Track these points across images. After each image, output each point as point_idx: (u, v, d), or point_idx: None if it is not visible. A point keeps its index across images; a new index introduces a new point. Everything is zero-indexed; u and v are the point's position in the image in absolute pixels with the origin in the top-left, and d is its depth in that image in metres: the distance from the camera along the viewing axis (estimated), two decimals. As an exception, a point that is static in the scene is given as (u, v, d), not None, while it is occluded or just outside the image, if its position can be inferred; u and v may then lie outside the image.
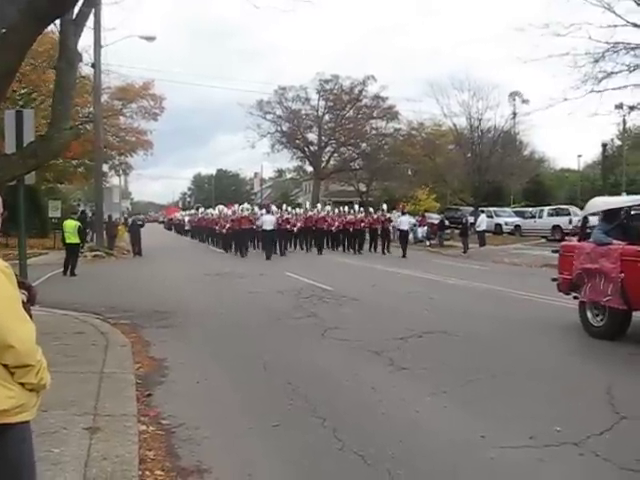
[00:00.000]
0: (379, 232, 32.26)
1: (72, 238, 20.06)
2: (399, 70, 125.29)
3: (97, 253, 27.20)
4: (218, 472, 4.63)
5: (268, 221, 27.96)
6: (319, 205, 34.80)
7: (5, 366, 2.50)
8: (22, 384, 2.55)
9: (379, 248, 31.17)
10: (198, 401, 6.45)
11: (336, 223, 32.05)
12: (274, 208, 33.13)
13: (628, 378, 7.19)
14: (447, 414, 5.97)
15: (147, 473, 4.50)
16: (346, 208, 34.15)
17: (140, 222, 32.19)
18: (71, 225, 20.38)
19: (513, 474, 4.62)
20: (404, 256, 27.39)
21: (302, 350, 8.82)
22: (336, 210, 34.13)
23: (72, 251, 20.03)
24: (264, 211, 30.76)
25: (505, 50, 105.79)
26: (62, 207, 33.24)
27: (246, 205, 33.68)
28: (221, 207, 36.44)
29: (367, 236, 32.68)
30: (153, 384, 7.03)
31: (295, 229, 32.16)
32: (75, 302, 12.75)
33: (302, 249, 33.06)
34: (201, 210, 48.27)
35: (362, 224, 32.03)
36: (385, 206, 34.10)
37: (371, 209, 34.29)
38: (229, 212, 33.14)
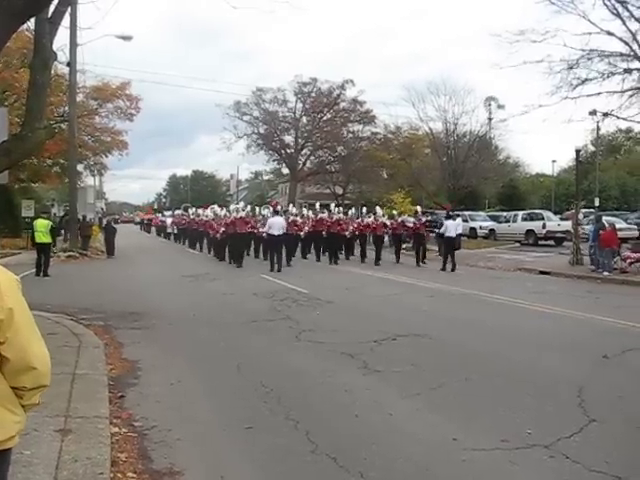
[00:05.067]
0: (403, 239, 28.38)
1: (44, 237, 19.79)
2: (381, 74, 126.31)
3: (71, 253, 26.94)
4: (190, 474, 4.63)
5: (277, 224, 22.43)
6: (332, 205, 30.15)
7: (14, 389, 2.40)
8: (23, 405, 2.46)
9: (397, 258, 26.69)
10: (171, 403, 6.42)
11: (351, 227, 27.22)
12: (292, 209, 29.76)
13: (599, 381, 7.28)
14: (420, 417, 6.01)
15: (119, 475, 4.48)
16: (364, 209, 30.02)
17: (114, 228, 31.27)
18: (43, 224, 20.11)
19: (484, 476, 4.66)
20: (453, 270, 22.04)
21: (276, 352, 8.82)
22: (349, 212, 29.85)
23: (44, 251, 19.76)
24: (270, 212, 26.52)
25: (483, 55, 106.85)
26: (36, 207, 32.91)
27: (242, 204, 28.59)
28: (216, 207, 31.73)
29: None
30: (126, 386, 6.99)
31: (302, 234, 26.99)
32: (48, 303, 12.61)
33: (306, 258, 27.91)
34: (192, 211, 40.32)
35: (384, 229, 26.95)
36: (419, 208, 29.08)
37: (394, 211, 30.17)
38: (222, 213, 28.42)
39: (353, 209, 30.58)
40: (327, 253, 26.74)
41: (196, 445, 5.26)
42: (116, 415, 5.84)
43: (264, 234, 24.01)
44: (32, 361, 2.35)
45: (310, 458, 4.94)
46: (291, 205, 32.08)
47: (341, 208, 30.35)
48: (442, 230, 24.07)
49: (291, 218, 26.78)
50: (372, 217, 27.31)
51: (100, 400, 6.04)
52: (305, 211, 30.30)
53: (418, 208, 29.03)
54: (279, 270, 21.06)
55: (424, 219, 27.21)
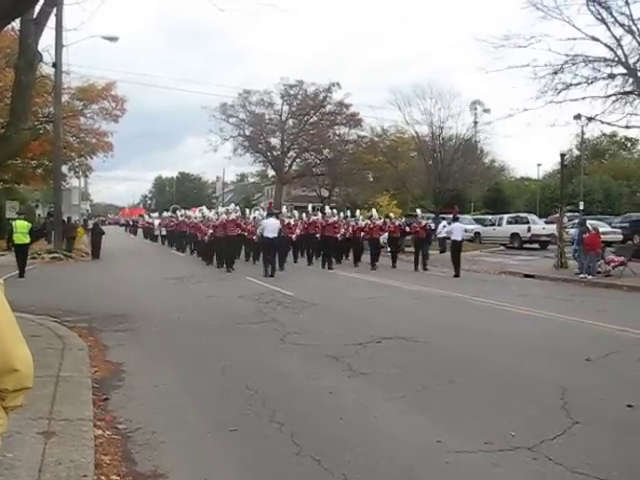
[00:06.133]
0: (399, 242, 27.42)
1: (24, 239, 19.90)
2: (367, 77, 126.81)
3: (55, 255, 26.82)
4: (175, 477, 4.61)
5: (271, 227, 21.20)
6: (327, 208, 29.39)
7: None
8: (5, 407, 2.41)
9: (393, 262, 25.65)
10: (155, 405, 6.40)
11: (342, 230, 25.97)
12: (284, 210, 28.62)
13: (582, 384, 7.32)
14: (404, 419, 6.02)
15: (103, 478, 4.46)
16: (357, 212, 28.97)
17: (102, 230, 31.23)
18: (24, 225, 20.16)
19: (468, 478, 4.67)
20: (457, 275, 21.32)
21: (261, 355, 8.81)
22: (341, 214, 27.95)
23: (24, 251, 19.90)
24: (258, 213, 26.48)
25: (470, 60, 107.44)
26: (20, 207, 32.74)
27: (232, 206, 27.15)
28: (204, 209, 31.08)
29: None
30: (110, 388, 6.97)
31: (294, 237, 26.12)
32: (31, 305, 12.53)
33: (296, 261, 27.32)
34: (180, 213, 39.02)
35: (381, 232, 25.99)
36: (419, 211, 28.37)
37: (392, 214, 29.24)
38: (211, 215, 27.51)
39: (349, 212, 29.48)
40: (320, 257, 25.73)
41: (180, 447, 5.24)
42: (100, 417, 5.81)
43: (254, 237, 23.59)
44: (14, 363, 2.32)
45: (295, 460, 4.94)
46: (284, 207, 30.99)
47: (335, 210, 29.19)
48: (447, 231, 23.29)
49: (286, 221, 25.82)
50: (367, 220, 26.57)
51: (84, 402, 6.01)
52: (297, 213, 29.47)
53: (418, 211, 28.22)
54: (270, 275, 20.15)
55: (424, 222, 26.21)
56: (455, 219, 23.74)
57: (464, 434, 5.54)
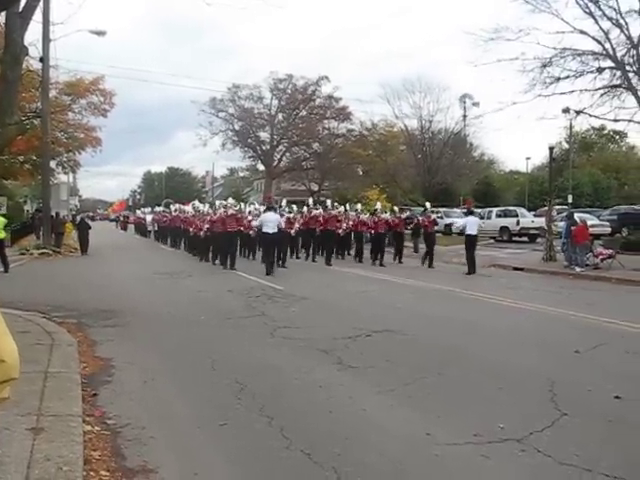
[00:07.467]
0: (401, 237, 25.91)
1: (1, 234, 20.07)
2: (357, 71, 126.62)
3: (44, 251, 26.72)
4: (164, 472, 4.60)
5: (270, 221, 20.02)
6: (329, 201, 28.12)
7: None
8: None
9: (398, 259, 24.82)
10: (145, 401, 6.39)
11: (344, 225, 24.99)
12: (284, 204, 27.34)
13: (571, 376, 7.35)
14: (394, 412, 6.03)
15: (92, 474, 4.44)
16: (359, 206, 28.27)
17: (88, 224, 31.07)
18: (1, 221, 20.25)
19: (457, 470, 4.69)
20: (471, 272, 20.08)
21: (251, 349, 8.80)
22: (341, 208, 26.43)
23: (1, 246, 20.06)
24: (254, 207, 25.92)
25: (459, 54, 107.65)
26: (9, 203, 32.62)
27: (231, 200, 25.46)
28: (197, 203, 30.24)
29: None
30: (99, 384, 6.94)
31: (293, 232, 24.31)
32: (20, 300, 12.49)
33: (297, 257, 26.15)
34: (174, 207, 37.00)
35: (386, 227, 24.61)
36: (429, 204, 27.02)
37: (396, 207, 27.92)
38: (205, 209, 26.75)
39: (348, 205, 28.49)
40: (322, 252, 24.76)
41: (170, 442, 5.23)
42: (89, 413, 5.79)
43: (250, 232, 23.27)
44: (0, 354, 2.33)
45: (284, 454, 4.94)
46: (284, 200, 29.43)
47: (337, 204, 28.27)
48: (461, 225, 22.28)
49: (285, 215, 24.35)
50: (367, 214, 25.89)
51: (73, 398, 5.98)
52: (295, 207, 28.24)
53: (427, 204, 26.93)
54: (269, 273, 18.92)
55: (433, 216, 24.96)
56: (470, 212, 22.71)
57: (453, 427, 5.56)
